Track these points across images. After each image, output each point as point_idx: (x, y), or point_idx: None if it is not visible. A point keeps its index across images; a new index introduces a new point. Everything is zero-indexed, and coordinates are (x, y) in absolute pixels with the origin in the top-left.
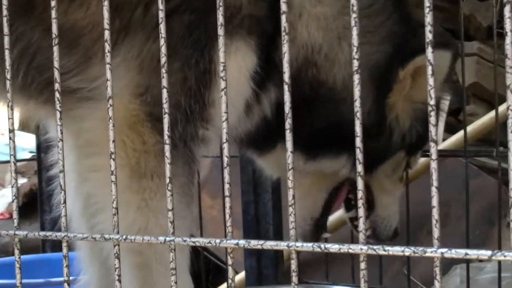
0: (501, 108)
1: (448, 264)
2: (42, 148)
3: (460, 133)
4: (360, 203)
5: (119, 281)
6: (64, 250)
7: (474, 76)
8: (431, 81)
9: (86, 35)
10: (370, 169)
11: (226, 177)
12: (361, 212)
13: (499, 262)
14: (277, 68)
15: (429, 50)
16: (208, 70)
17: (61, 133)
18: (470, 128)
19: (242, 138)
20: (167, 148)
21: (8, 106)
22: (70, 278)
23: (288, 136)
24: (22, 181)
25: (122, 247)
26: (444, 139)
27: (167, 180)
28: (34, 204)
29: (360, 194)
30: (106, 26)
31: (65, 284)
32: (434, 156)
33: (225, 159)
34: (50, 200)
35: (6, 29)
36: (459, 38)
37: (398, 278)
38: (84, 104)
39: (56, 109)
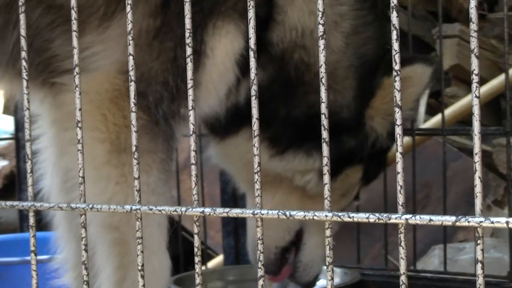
0: (482, 89)
1: (427, 245)
2: (20, 126)
3: (440, 115)
4: (325, 169)
5: (85, 251)
6: (31, 220)
7: (456, 58)
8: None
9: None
10: (335, 170)
11: (192, 145)
12: (326, 178)
13: (475, 242)
14: (266, 49)
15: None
16: (198, 51)
17: (28, 102)
18: (450, 109)
19: (211, 121)
20: (133, 116)
21: None
22: (47, 256)
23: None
24: (2, 163)
25: (98, 223)
26: (424, 121)
27: (133, 149)
28: (15, 186)
29: (325, 160)
30: None
31: (32, 254)
32: (398, 121)
33: (191, 127)
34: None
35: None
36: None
37: (377, 260)
38: (66, 76)
39: (23, 78)
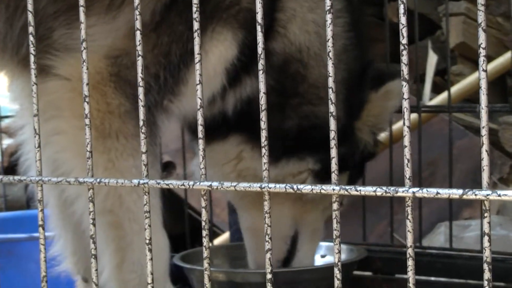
0: (488, 67)
1: (433, 223)
2: None
3: (446, 93)
4: (333, 143)
5: (93, 225)
6: (39, 194)
7: (462, 36)
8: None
9: None
10: (327, 177)
11: (200, 119)
12: (333, 152)
13: (481, 220)
14: (266, 58)
15: None
16: (191, 50)
17: (35, 76)
18: (456, 87)
19: (194, 125)
20: (140, 90)
21: None
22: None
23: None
24: (8, 141)
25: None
26: (430, 99)
27: (141, 123)
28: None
29: (332, 134)
30: None
31: (40, 228)
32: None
33: (198, 101)
34: None
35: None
36: None
37: (383, 238)
38: (53, 55)
39: (30, 52)
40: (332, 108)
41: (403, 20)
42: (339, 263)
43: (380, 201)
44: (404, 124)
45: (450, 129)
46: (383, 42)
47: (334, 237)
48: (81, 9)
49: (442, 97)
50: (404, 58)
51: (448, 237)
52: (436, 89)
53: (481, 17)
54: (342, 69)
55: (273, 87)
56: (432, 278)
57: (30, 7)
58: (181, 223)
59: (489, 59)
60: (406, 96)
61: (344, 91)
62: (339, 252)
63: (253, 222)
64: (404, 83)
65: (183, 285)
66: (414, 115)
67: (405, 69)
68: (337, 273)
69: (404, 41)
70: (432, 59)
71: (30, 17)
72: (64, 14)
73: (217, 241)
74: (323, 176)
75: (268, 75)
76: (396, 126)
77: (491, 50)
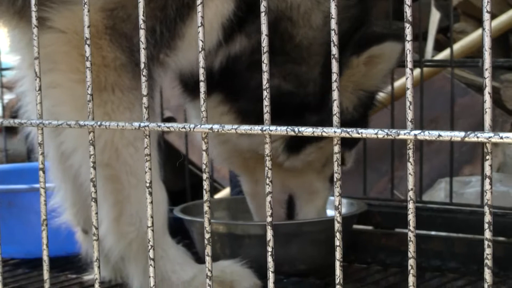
0: (492, 24)
1: (433, 179)
2: None
3: (448, 50)
4: (335, 85)
5: (94, 168)
6: (39, 137)
7: None
8: None
9: None
10: (302, 144)
11: (201, 62)
12: (335, 95)
13: (482, 177)
14: (256, 17)
15: None
16: (189, 5)
17: (36, 19)
18: (458, 45)
19: (185, 78)
20: (142, 33)
21: None
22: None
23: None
24: (9, 96)
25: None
26: (432, 57)
27: (142, 66)
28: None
29: (334, 76)
30: None
31: (40, 172)
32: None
33: (200, 43)
34: None
35: None
36: None
37: (384, 194)
38: (48, 7)
39: None
40: (334, 50)
41: None
42: (339, 206)
43: (380, 158)
44: (406, 66)
45: (452, 84)
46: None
47: (335, 179)
48: None
49: (444, 54)
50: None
51: (449, 192)
52: (439, 47)
53: None
54: (326, 32)
55: (259, 46)
56: (433, 233)
57: None
58: (182, 179)
59: (493, 16)
60: (409, 38)
61: (325, 54)
62: (340, 195)
63: (253, 187)
64: (407, 25)
65: (183, 238)
66: (416, 71)
67: (408, 11)
68: (337, 217)
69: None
70: (435, 16)
71: None
72: None
73: (218, 196)
74: (294, 144)
75: (256, 34)
76: (398, 83)
77: (495, 8)
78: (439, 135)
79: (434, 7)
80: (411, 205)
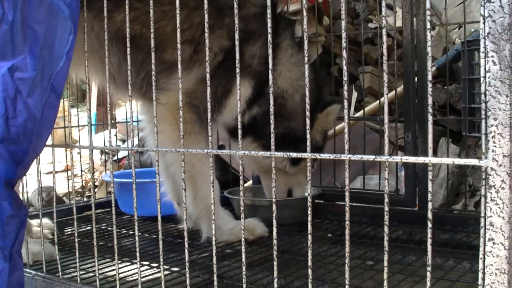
0: (382, 99)
1: (354, 176)
2: None
3: (361, 111)
4: (308, 131)
5: (184, 172)
6: (156, 156)
7: (369, 83)
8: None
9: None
10: (297, 161)
11: (239, 118)
12: (308, 135)
13: (379, 177)
14: (265, 96)
15: None
16: (227, 90)
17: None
18: (367, 109)
19: (231, 128)
20: (209, 105)
21: None
22: (150, 180)
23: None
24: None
25: (179, 164)
26: (353, 114)
27: (209, 119)
28: None
29: (308, 122)
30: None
31: (156, 175)
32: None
33: (238, 110)
34: None
35: None
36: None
37: (329, 183)
38: (157, 92)
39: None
40: (307, 106)
41: (346, 77)
42: (310, 191)
43: (329, 165)
44: (343, 118)
45: (364, 129)
46: (331, 86)
47: (308, 178)
48: (179, 67)
49: (360, 113)
50: (345, 94)
51: (363, 183)
52: (356, 109)
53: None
54: (303, 101)
55: (266, 111)
56: (353, 204)
57: (153, 67)
58: (227, 175)
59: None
60: (347, 107)
61: (303, 113)
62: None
63: (267, 184)
64: (345, 104)
65: (228, 207)
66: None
67: (346, 98)
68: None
69: (345, 87)
70: (354, 94)
71: (153, 69)
72: (164, 71)
73: (246, 185)
74: (294, 161)
75: (264, 105)
76: (337, 127)
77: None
78: (361, 158)
79: (354, 90)
80: (347, 182)
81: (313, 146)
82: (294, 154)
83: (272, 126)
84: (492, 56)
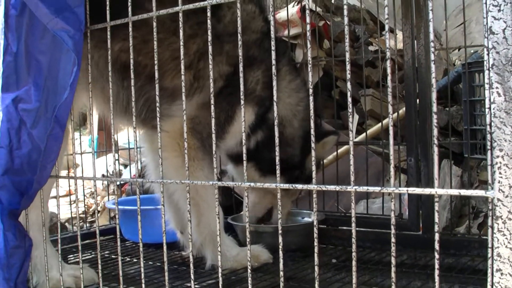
0: (384, 121)
1: (358, 200)
2: None
3: (363, 134)
4: (313, 158)
5: (189, 203)
6: (161, 188)
7: (370, 105)
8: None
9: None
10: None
11: (244, 144)
12: (310, 162)
13: (383, 201)
14: (266, 121)
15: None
16: (230, 116)
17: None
18: (368, 132)
19: (233, 154)
20: (213, 129)
21: None
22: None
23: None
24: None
25: (183, 191)
26: (354, 138)
27: (213, 148)
28: None
29: (313, 153)
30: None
31: (161, 206)
32: None
33: (243, 135)
34: None
35: None
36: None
37: (332, 208)
38: (160, 119)
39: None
40: (313, 144)
41: (349, 101)
42: (316, 215)
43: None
44: (350, 152)
45: (367, 152)
46: (332, 109)
47: (314, 205)
48: (183, 95)
49: (361, 137)
50: (350, 119)
51: (366, 207)
52: (358, 133)
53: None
54: (302, 130)
55: (267, 137)
56: (358, 229)
57: (157, 98)
58: (230, 200)
59: (384, 116)
60: (352, 128)
61: (302, 141)
62: (316, 209)
63: (252, 199)
64: (350, 132)
65: (231, 234)
66: (346, 146)
67: (350, 122)
68: (316, 227)
69: (350, 109)
70: (356, 117)
71: (157, 100)
72: (166, 98)
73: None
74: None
75: (267, 130)
76: (340, 151)
77: (385, 111)
78: (367, 189)
79: (356, 113)
80: (353, 214)
81: (307, 174)
82: (300, 186)
83: (277, 158)
84: (497, 88)
